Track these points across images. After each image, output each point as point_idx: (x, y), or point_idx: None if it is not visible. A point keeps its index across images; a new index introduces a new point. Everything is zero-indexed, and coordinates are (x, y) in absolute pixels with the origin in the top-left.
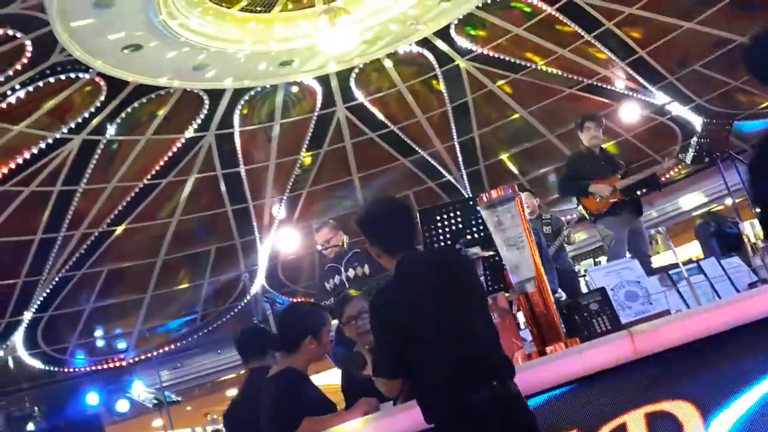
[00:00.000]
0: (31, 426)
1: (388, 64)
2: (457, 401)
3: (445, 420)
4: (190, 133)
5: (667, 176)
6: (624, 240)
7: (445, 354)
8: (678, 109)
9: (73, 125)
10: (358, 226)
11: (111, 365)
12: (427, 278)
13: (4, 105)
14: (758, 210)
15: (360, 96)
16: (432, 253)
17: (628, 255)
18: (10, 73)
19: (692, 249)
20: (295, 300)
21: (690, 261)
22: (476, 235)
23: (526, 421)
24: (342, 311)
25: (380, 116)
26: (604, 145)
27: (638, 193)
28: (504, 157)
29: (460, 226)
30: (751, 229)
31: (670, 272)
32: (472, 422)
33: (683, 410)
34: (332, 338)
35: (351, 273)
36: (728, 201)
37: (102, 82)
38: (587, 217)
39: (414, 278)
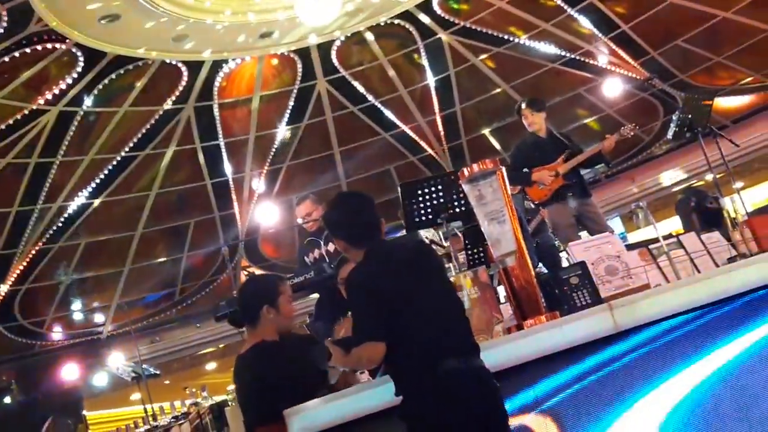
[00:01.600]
0: (8, 399)
1: (369, 37)
2: (428, 371)
3: (416, 389)
4: (168, 105)
5: (649, 151)
6: (573, 224)
7: (419, 328)
8: (660, 84)
9: (49, 96)
10: (324, 222)
11: (89, 338)
12: (397, 261)
13: None
14: None
15: (341, 69)
16: (397, 241)
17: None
18: None
19: (673, 224)
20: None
21: (670, 236)
22: (458, 210)
23: (493, 391)
24: (338, 272)
25: (362, 90)
26: (588, 120)
27: (583, 173)
28: (486, 131)
29: (442, 200)
30: (731, 204)
31: (650, 247)
32: (442, 391)
33: None
34: (312, 313)
35: (331, 247)
36: (709, 176)
37: (79, 53)
38: (533, 205)
39: (385, 260)
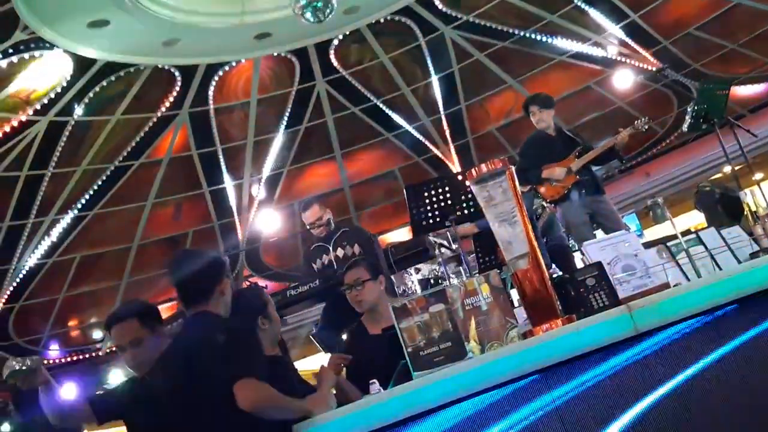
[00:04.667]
0: (6, 427)
1: (369, 34)
2: None
3: None
4: (162, 111)
5: (663, 144)
6: (587, 222)
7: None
8: (673, 75)
9: (38, 106)
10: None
11: (87, 356)
12: (175, 355)
13: None
14: None
15: (340, 69)
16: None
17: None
18: None
19: (691, 219)
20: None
21: (689, 231)
22: (466, 211)
23: None
24: (344, 279)
25: (362, 89)
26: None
27: (595, 169)
28: (493, 129)
29: (449, 202)
30: (750, 197)
31: (669, 244)
32: None
33: None
34: (318, 321)
35: (340, 252)
36: (727, 168)
37: (68, 60)
38: (545, 204)
39: (174, 348)
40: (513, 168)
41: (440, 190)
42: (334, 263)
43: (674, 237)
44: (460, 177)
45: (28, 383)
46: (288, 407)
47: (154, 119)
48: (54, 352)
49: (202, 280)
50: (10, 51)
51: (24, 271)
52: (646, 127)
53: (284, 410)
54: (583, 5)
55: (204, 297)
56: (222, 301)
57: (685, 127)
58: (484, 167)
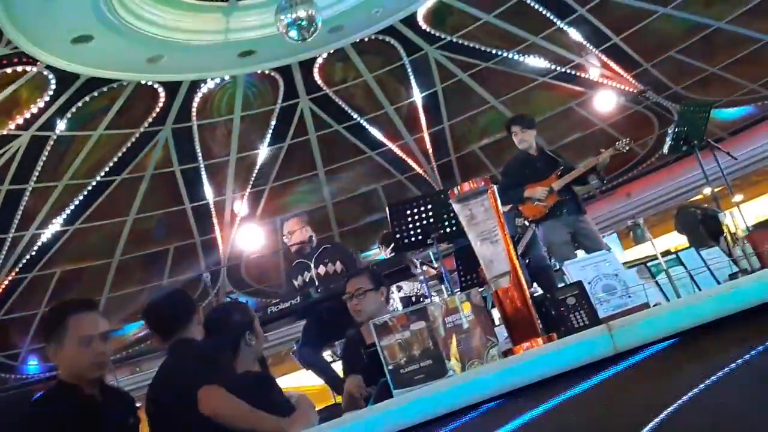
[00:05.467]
0: None
1: (353, 53)
2: None
3: None
4: (145, 127)
5: (643, 165)
6: (568, 242)
7: None
8: (654, 97)
9: (20, 121)
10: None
11: None
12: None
13: None
14: None
15: (324, 87)
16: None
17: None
18: None
19: (671, 240)
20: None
21: (668, 252)
22: (448, 230)
23: None
24: (345, 287)
25: (346, 108)
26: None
27: (576, 189)
28: (476, 148)
29: (431, 220)
30: (730, 218)
31: (649, 264)
32: None
33: None
34: (298, 339)
35: (321, 270)
36: (707, 190)
37: (50, 76)
38: (527, 223)
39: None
40: (495, 187)
41: (423, 209)
42: (315, 280)
43: (654, 257)
44: (442, 195)
45: None
46: (255, 420)
47: (137, 135)
48: (33, 367)
49: (180, 313)
50: None
51: (3, 286)
52: (627, 148)
53: (249, 420)
54: (565, 27)
55: (183, 326)
56: (198, 327)
57: (665, 149)
58: (466, 186)
